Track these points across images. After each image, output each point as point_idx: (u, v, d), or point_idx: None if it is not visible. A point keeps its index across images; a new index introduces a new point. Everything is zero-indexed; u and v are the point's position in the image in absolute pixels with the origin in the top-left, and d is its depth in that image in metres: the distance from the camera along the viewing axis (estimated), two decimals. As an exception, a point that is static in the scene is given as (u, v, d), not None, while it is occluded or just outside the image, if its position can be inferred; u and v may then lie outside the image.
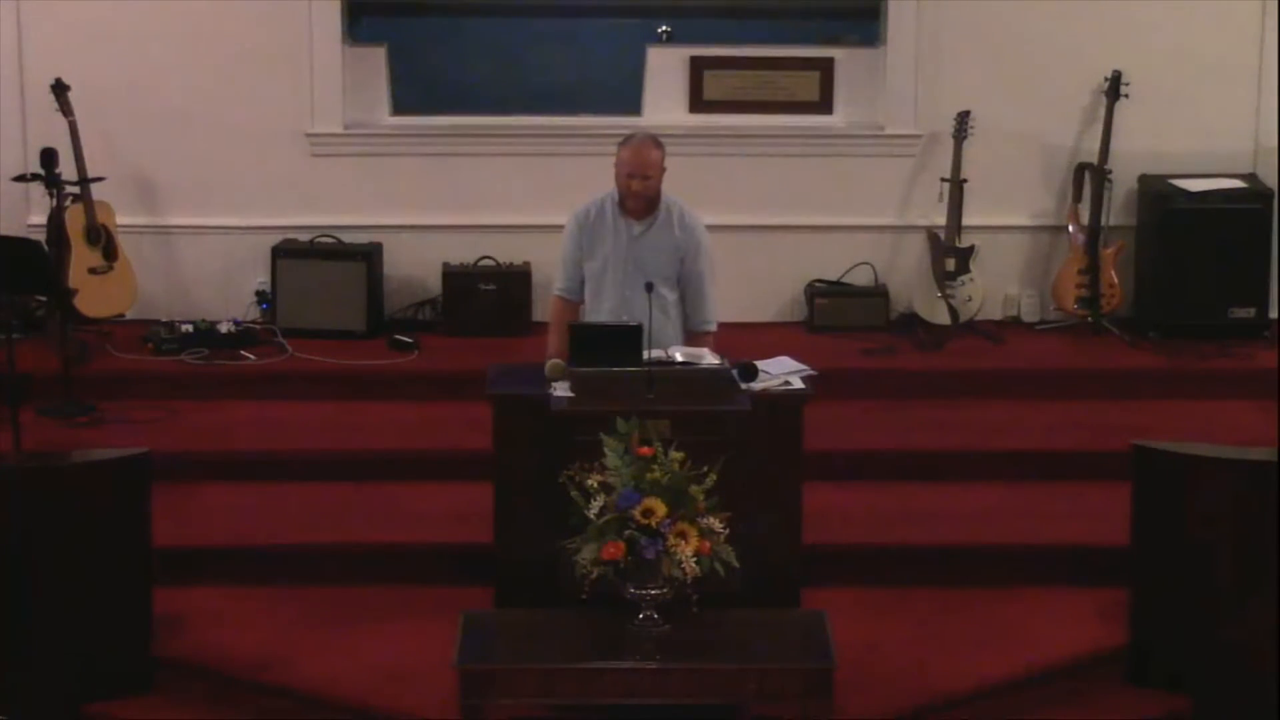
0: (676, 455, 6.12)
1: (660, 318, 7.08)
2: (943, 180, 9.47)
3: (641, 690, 6.02)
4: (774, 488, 6.64)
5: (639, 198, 7.20)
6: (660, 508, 6.01)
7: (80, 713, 6.76)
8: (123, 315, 9.33)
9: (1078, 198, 9.53)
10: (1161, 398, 8.85)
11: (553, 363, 6.76)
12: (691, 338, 7.25)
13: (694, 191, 9.39)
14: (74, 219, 9.11)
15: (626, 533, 6.01)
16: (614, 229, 7.25)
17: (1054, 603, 7.31)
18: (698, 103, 9.71)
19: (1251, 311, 9.43)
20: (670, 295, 7.23)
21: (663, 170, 7.26)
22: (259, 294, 9.55)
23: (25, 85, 9.42)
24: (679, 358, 6.84)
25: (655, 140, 7.27)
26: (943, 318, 9.42)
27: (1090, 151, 9.51)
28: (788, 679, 6.05)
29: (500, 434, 6.70)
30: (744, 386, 6.65)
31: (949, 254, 9.45)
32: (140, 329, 9.28)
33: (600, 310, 7.23)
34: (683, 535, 6.02)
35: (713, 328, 7.36)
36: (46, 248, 8.69)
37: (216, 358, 9.03)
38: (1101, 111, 9.46)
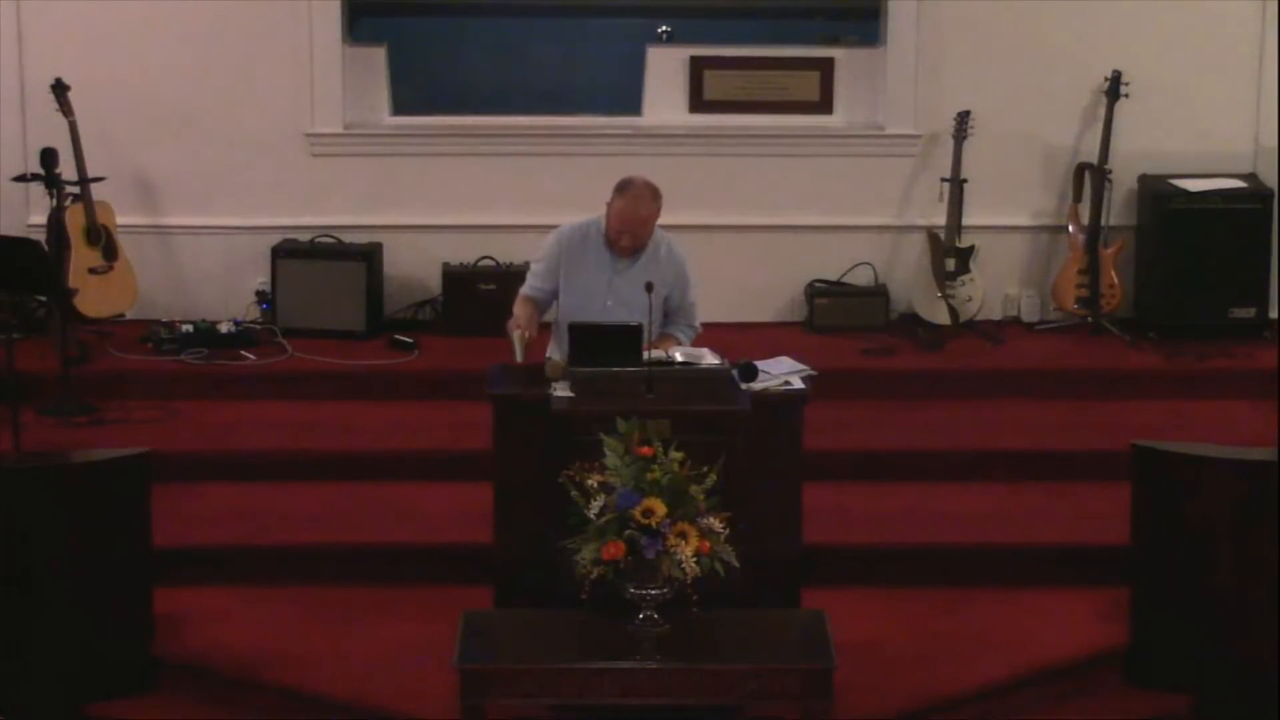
0: (676, 455, 6.12)
1: None
2: (943, 180, 9.46)
3: (641, 690, 6.03)
4: (774, 488, 6.64)
5: (627, 250, 7.19)
6: (660, 508, 6.01)
7: (80, 713, 6.76)
8: (123, 315, 9.33)
9: (1078, 198, 9.53)
10: (1161, 398, 8.85)
11: (553, 363, 6.77)
12: (666, 338, 7.25)
13: (694, 191, 9.45)
14: (74, 219, 9.11)
15: (626, 533, 6.01)
16: (598, 260, 7.24)
17: (1054, 603, 7.31)
18: (698, 103, 9.71)
19: (1251, 311, 9.43)
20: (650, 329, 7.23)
21: (656, 222, 7.19)
22: (259, 294, 9.54)
23: (25, 85, 9.42)
24: (679, 358, 6.84)
25: (653, 193, 7.19)
26: (943, 318, 9.42)
27: (1090, 151, 9.51)
28: (788, 679, 6.05)
29: (500, 434, 6.70)
30: (744, 386, 6.65)
31: (949, 254, 9.45)
32: (140, 329, 9.28)
33: (567, 337, 7.20)
34: (683, 535, 6.02)
35: (687, 341, 7.35)
36: (46, 248, 8.69)
37: (216, 358, 9.03)
38: (1101, 111, 9.46)
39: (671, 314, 7.30)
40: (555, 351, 7.24)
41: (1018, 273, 9.72)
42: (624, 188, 7.18)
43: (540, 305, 7.38)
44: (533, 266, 7.43)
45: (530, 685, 6.04)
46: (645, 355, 6.60)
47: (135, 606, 6.88)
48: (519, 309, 7.32)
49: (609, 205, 7.20)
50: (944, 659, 6.91)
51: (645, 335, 6.64)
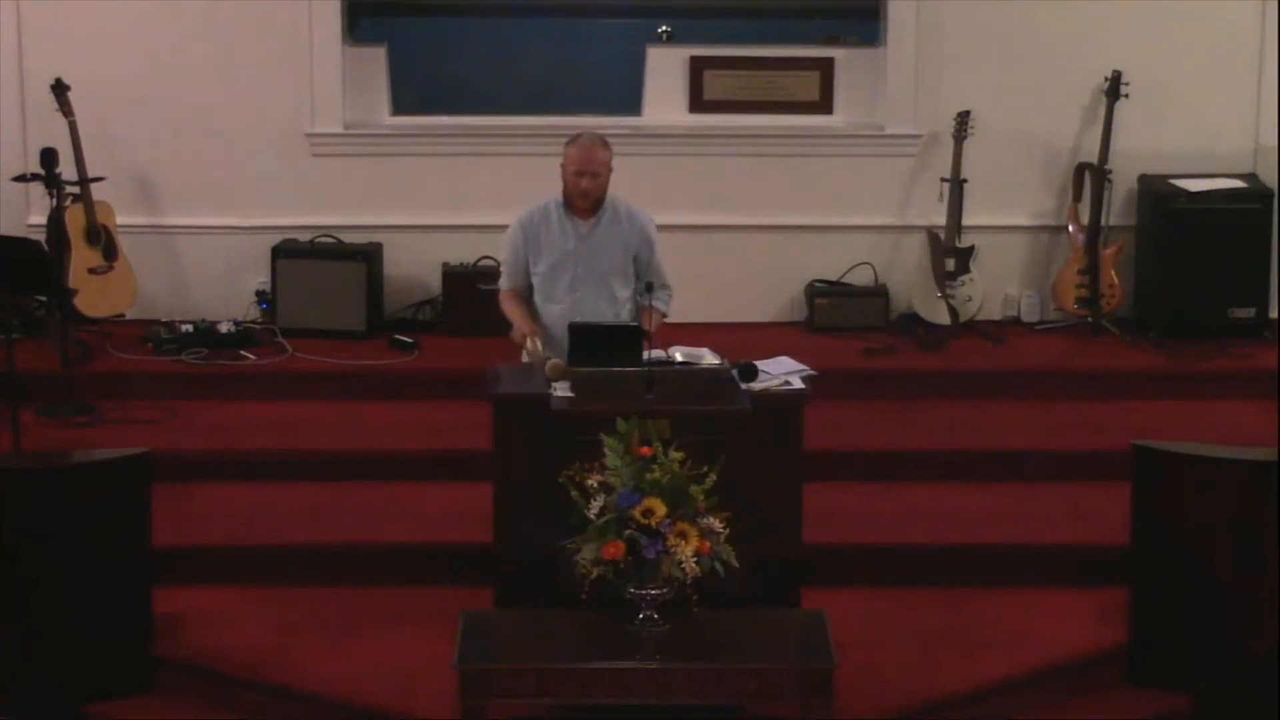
0: (676, 455, 6.12)
1: (611, 317, 7.17)
2: (943, 180, 9.47)
3: (641, 690, 6.02)
4: (774, 488, 6.63)
5: (587, 196, 7.23)
6: (660, 508, 6.01)
7: (80, 713, 6.76)
8: (123, 315, 9.33)
9: (1078, 198, 9.53)
10: (1161, 398, 8.85)
11: (552, 362, 6.77)
12: (646, 311, 7.28)
13: (694, 191, 9.46)
14: (74, 219, 9.11)
15: (626, 533, 6.01)
16: (560, 230, 7.30)
17: (1054, 603, 7.31)
18: (698, 103, 9.71)
19: (1251, 311, 9.43)
20: (622, 292, 7.25)
21: (610, 170, 7.27)
22: (259, 294, 9.55)
23: (25, 85, 9.42)
24: (679, 358, 6.84)
25: (603, 141, 7.32)
26: (943, 318, 9.42)
27: (1090, 151, 9.51)
28: (788, 679, 6.05)
29: (500, 434, 6.70)
30: (744, 386, 6.65)
31: (949, 254, 9.45)
32: (140, 329, 9.28)
33: (549, 312, 7.25)
34: (683, 535, 6.02)
35: (665, 306, 7.41)
36: (46, 248, 8.69)
37: (216, 358, 9.03)
38: (1101, 111, 9.47)
39: (641, 275, 7.33)
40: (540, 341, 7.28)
41: (1018, 273, 9.72)
42: (576, 138, 7.33)
43: (524, 296, 7.40)
44: (505, 264, 7.47)
45: (530, 685, 6.04)
46: (645, 355, 6.60)
47: (135, 606, 6.88)
48: (511, 310, 7.36)
49: (564, 162, 7.28)
50: (944, 659, 6.90)
51: (641, 333, 6.66)
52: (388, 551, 7.56)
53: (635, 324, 6.76)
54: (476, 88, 10.24)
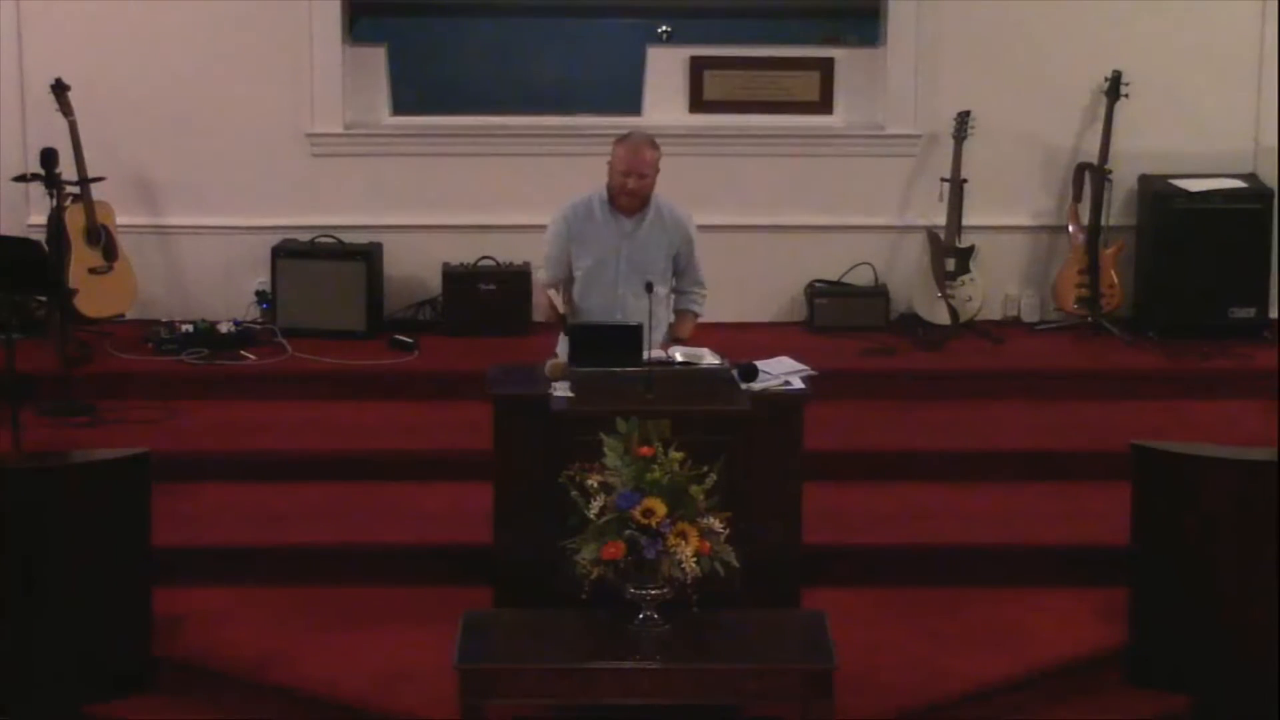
0: (676, 455, 6.12)
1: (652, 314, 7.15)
2: (943, 180, 9.47)
3: (641, 690, 6.02)
4: (774, 488, 6.64)
5: (634, 196, 7.23)
6: (660, 508, 6.01)
7: (80, 713, 6.76)
8: (123, 315, 9.33)
9: (1078, 198, 9.54)
10: (1161, 398, 8.85)
11: (553, 363, 6.77)
12: (684, 315, 7.36)
13: (694, 191, 9.40)
14: (74, 219, 9.11)
15: (626, 533, 6.01)
16: (605, 227, 7.28)
17: (1054, 603, 7.31)
18: (698, 103, 9.72)
19: (1251, 311, 9.43)
20: (662, 290, 7.25)
21: (657, 170, 7.27)
22: (259, 294, 9.55)
23: (25, 85, 9.43)
24: (679, 358, 6.84)
25: (652, 141, 7.32)
26: (943, 318, 9.42)
27: (1090, 151, 9.51)
28: (788, 679, 6.05)
29: (500, 434, 6.70)
30: (744, 386, 6.65)
31: (949, 254, 9.45)
32: (140, 329, 9.28)
33: (590, 309, 7.24)
34: (683, 535, 6.02)
35: (700, 307, 7.44)
36: (46, 248, 8.69)
37: (216, 358, 9.03)
38: (1101, 111, 9.47)
39: (680, 273, 7.37)
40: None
41: (1018, 273, 9.73)
42: (624, 137, 7.32)
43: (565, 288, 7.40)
44: (546, 259, 7.42)
45: (530, 685, 6.04)
46: (645, 355, 6.60)
47: (135, 606, 6.88)
48: (550, 303, 7.31)
49: (611, 160, 7.27)
50: (944, 659, 6.90)
51: (646, 338, 6.64)
52: (388, 551, 7.56)
53: (636, 324, 6.75)
54: (476, 88, 10.24)
